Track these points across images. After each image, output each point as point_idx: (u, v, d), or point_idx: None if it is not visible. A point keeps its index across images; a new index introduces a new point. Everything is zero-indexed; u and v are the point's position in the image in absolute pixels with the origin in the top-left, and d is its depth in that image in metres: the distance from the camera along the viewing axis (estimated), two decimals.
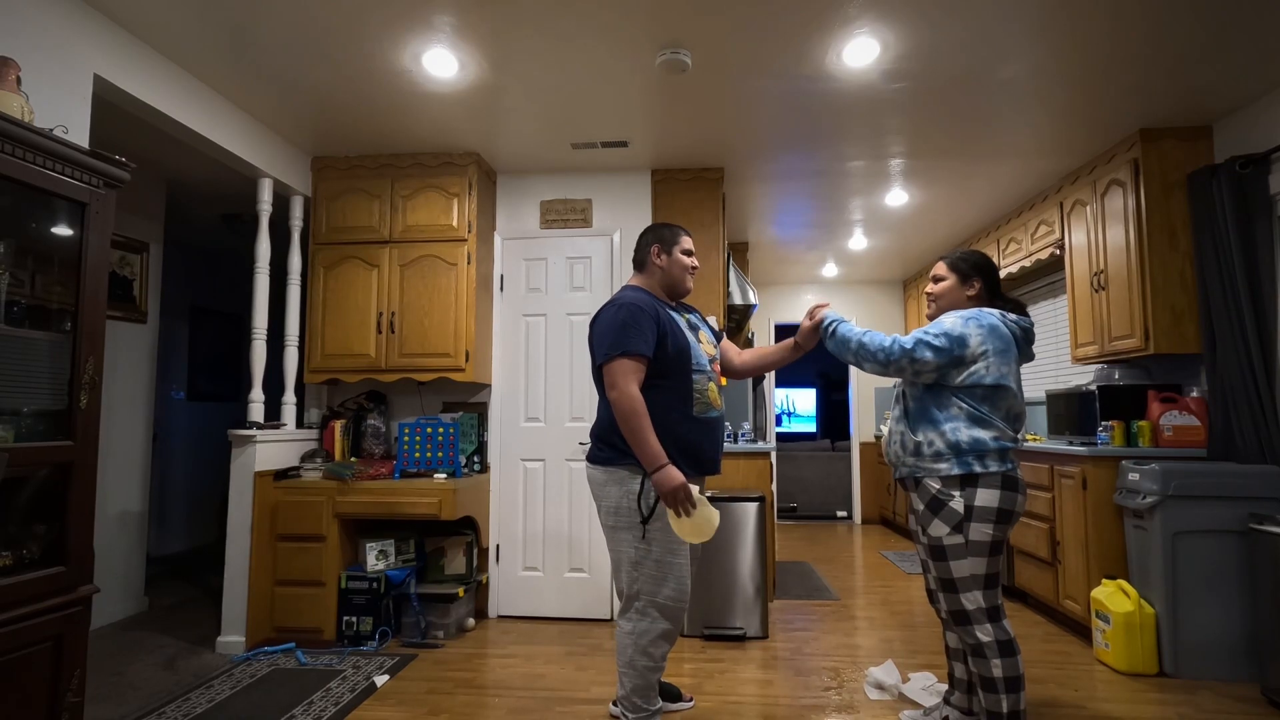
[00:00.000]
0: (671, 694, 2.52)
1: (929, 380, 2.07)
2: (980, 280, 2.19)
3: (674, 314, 2.24)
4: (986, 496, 1.98)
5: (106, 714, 2.45)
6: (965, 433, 2.01)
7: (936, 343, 2.02)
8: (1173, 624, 2.76)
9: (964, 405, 2.03)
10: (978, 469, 1.99)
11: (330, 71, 2.77)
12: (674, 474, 1.99)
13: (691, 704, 2.54)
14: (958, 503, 2.00)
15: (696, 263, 2.34)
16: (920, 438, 2.07)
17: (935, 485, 2.03)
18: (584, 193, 3.83)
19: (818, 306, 2.32)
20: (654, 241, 2.29)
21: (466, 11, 2.37)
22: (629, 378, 2.05)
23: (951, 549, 2.00)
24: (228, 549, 3.15)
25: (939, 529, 2.02)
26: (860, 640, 3.26)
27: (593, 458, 2.20)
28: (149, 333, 3.91)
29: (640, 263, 2.33)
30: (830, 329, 2.24)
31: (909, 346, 2.04)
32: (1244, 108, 3.06)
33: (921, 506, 2.07)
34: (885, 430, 2.41)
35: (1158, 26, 2.46)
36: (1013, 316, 2.11)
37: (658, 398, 2.11)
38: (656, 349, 2.11)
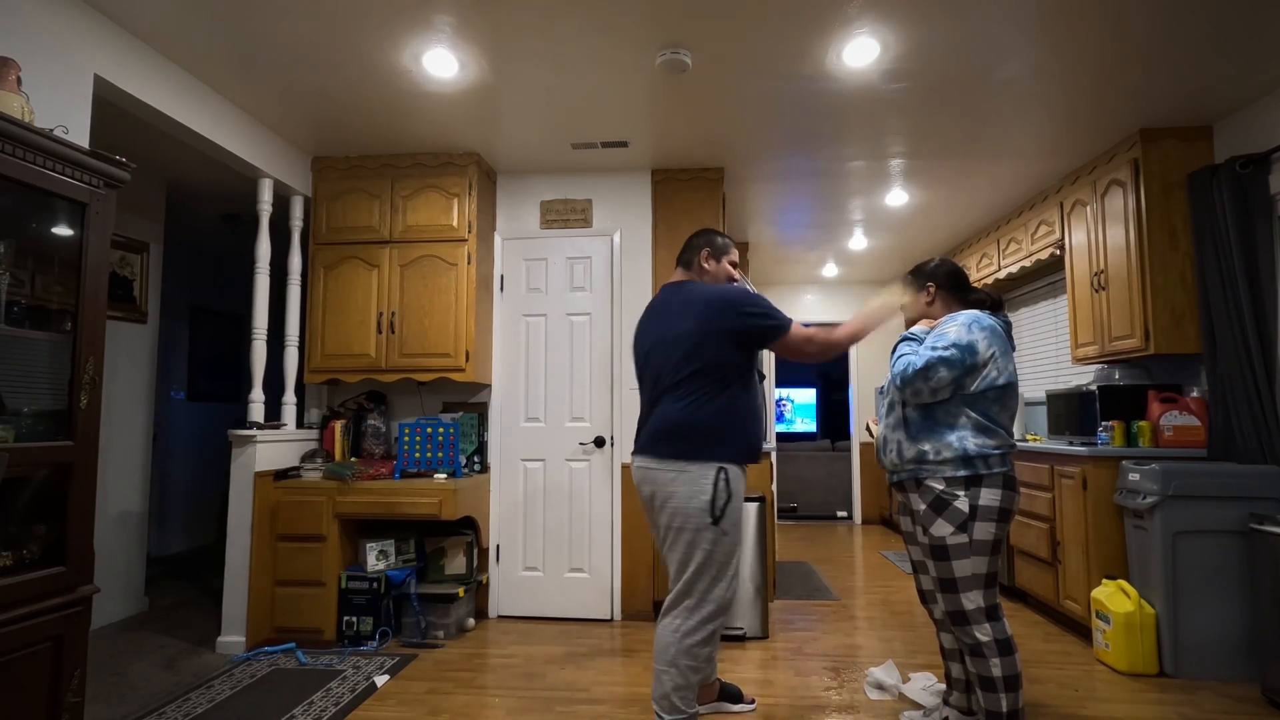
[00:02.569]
0: (733, 694, 2.50)
1: (946, 395, 2.05)
2: (934, 284, 2.25)
3: None
4: (990, 496, 2.00)
5: (106, 714, 2.45)
6: (972, 441, 2.02)
7: (949, 354, 2.01)
8: (1173, 624, 2.76)
9: (972, 415, 2.03)
10: (983, 470, 2.01)
11: (330, 72, 2.77)
12: (872, 309, 2.20)
13: (754, 706, 2.51)
14: (962, 502, 2.00)
15: (739, 278, 2.38)
16: (925, 447, 2.06)
17: (939, 485, 2.03)
18: (584, 193, 3.83)
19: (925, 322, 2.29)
20: (705, 245, 2.33)
21: (466, 11, 2.37)
22: (800, 333, 2.15)
23: (955, 548, 2.00)
24: (228, 549, 3.14)
25: (942, 529, 2.02)
26: (860, 640, 3.26)
27: (660, 453, 2.12)
28: (149, 333, 3.91)
29: (687, 263, 2.36)
30: (899, 341, 2.24)
31: (921, 366, 2.02)
32: (1244, 108, 3.06)
33: (923, 506, 2.06)
34: (877, 433, 2.40)
35: (1158, 26, 2.46)
36: (992, 315, 2.15)
37: (746, 387, 2.17)
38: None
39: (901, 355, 2.11)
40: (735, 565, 2.12)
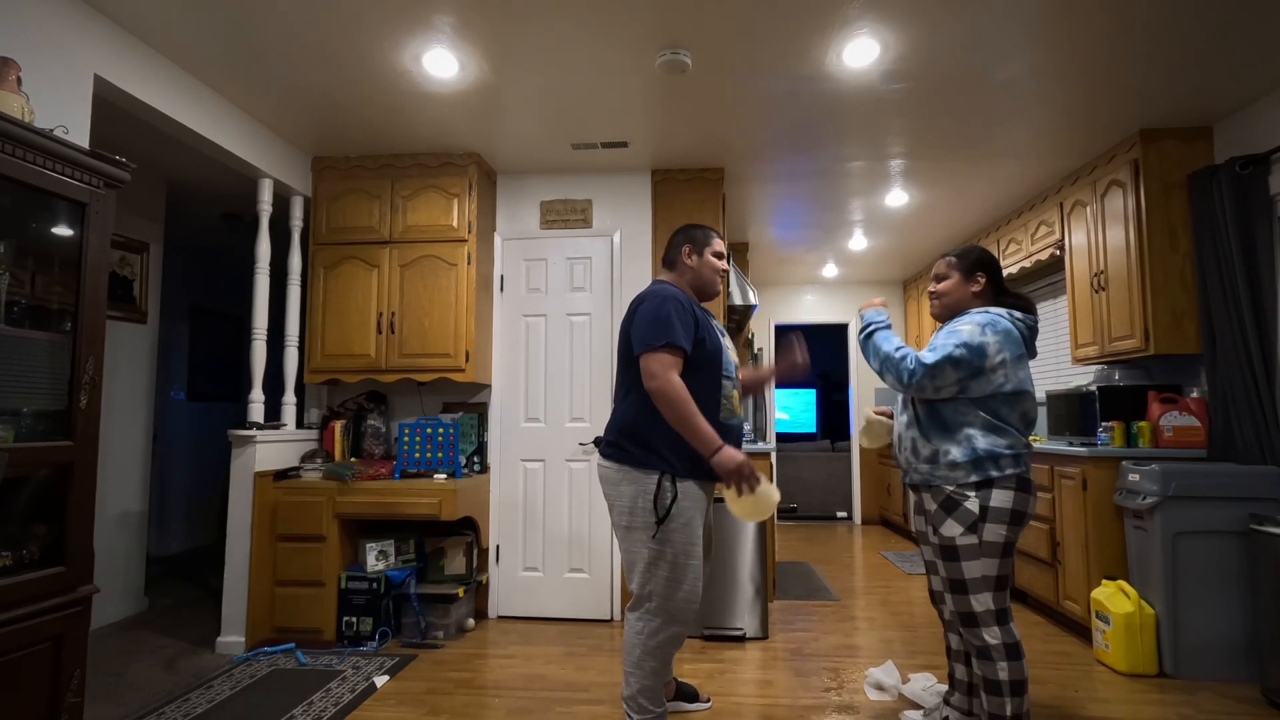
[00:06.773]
0: (688, 694, 2.50)
1: (949, 395, 2.03)
2: (984, 275, 2.17)
3: (707, 315, 2.23)
4: (1001, 498, 1.98)
5: (106, 714, 2.45)
6: (982, 441, 1.99)
7: (957, 354, 1.98)
8: (1173, 624, 2.76)
9: (981, 414, 2.01)
10: (994, 474, 1.98)
11: (330, 72, 2.77)
12: (734, 453, 1.98)
13: (709, 705, 2.52)
14: (973, 503, 1.98)
15: (726, 266, 2.34)
16: (936, 446, 2.04)
17: (950, 486, 2.02)
18: (584, 193, 3.84)
19: (871, 303, 2.25)
20: (685, 242, 2.29)
21: (466, 11, 2.38)
22: (670, 369, 2.01)
23: (964, 549, 1.99)
24: (228, 549, 3.15)
25: (952, 529, 2.00)
26: (860, 641, 3.26)
27: (608, 455, 2.15)
28: (149, 333, 3.91)
29: (671, 262, 2.32)
30: (868, 329, 2.18)
31: (929, 363, 1.99)
32: (1244, 108, 3.06)
33: (934, 506, 2.05)
34: (861, 427, 2.38)
35: (1158, 27, 2.46)
36: (1019, 315, 2.09)
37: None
38: (694, 346, 2.09)
39: (902, 345, 2.07)
40: (694, 567, 2.08)
